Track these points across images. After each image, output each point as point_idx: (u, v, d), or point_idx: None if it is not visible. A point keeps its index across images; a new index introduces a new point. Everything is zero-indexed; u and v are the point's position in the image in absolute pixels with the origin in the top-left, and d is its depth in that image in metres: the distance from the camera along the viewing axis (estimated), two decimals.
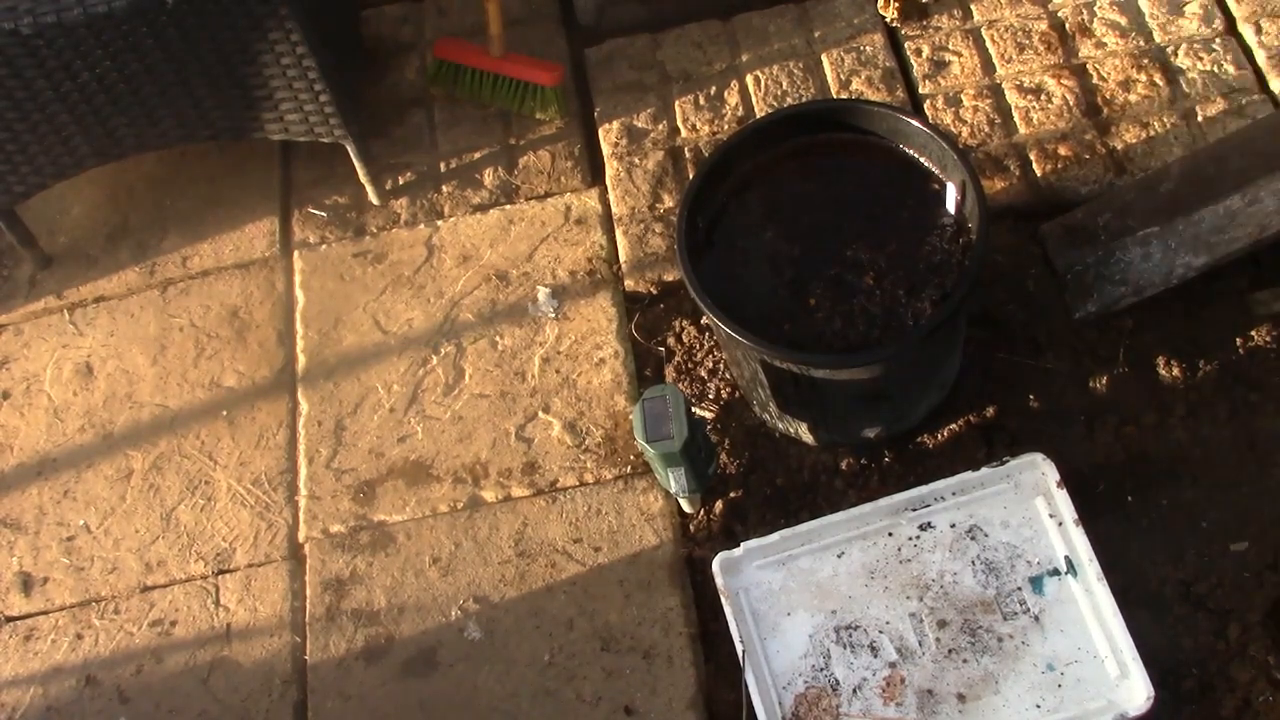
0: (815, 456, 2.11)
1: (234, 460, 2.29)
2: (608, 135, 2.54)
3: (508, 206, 2.50)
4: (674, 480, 1.96)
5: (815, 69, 2.54)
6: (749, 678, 1.84)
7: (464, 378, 2.31)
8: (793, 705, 1.84)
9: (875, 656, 1.86)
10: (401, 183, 2.57)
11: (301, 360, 2.38)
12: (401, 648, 2.05)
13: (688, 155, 2.48)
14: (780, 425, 2.11)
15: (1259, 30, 2.42)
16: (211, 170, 2.65)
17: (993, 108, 2.42)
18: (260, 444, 2.30)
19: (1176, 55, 2.42)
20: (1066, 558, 1.88)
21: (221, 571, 2.18)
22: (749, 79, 2.55)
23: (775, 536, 1.94)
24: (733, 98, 2.54)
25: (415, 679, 2.02)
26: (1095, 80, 2.42)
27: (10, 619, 2.19)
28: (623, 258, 2.37)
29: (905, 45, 2.53)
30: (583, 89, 2.65)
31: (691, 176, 2.16)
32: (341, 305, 2.43)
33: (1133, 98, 2.38)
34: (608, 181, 2.48)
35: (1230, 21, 2.46)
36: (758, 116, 2.48)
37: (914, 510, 1.95)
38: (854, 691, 1.84)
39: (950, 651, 1.85)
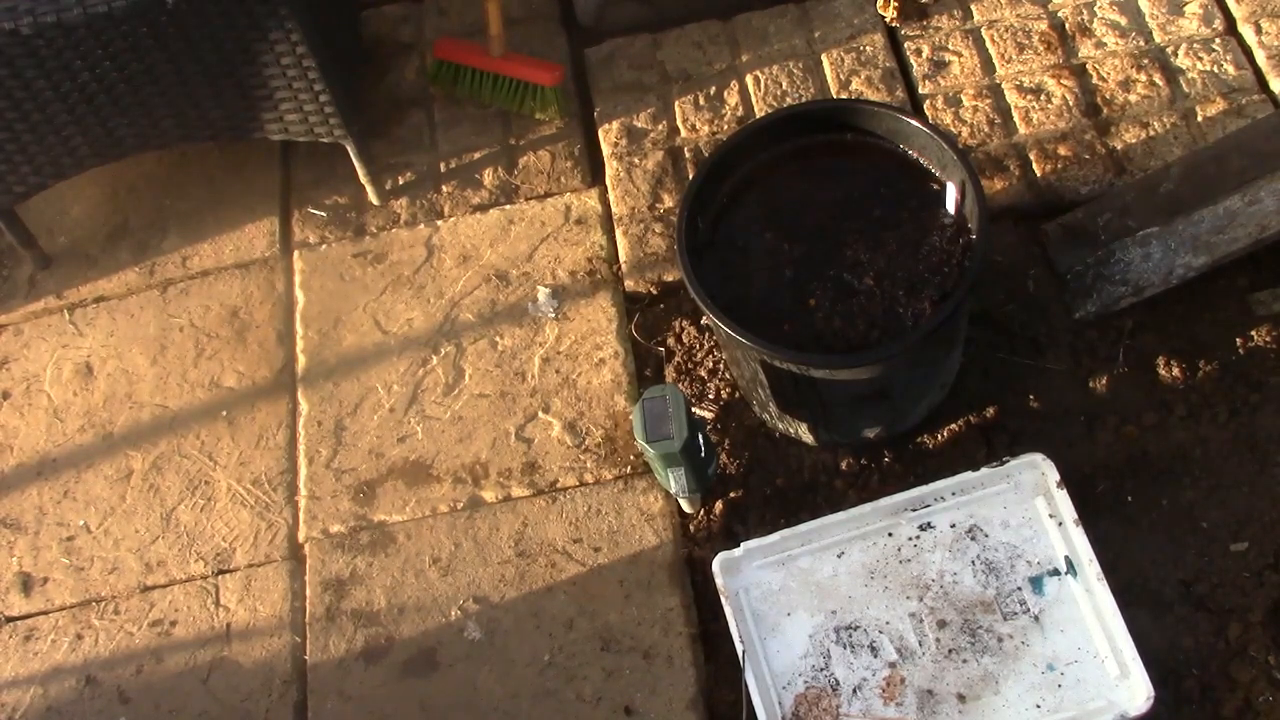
0: (815, 456, 2.11)
1: (234, 460, 2.29)
2: (608, 135, 2.54)
3: (508, 206, 2.50)
4: (674, 480, 1.96)
5: (815, 69, 2.54)
6: (749, 678, 1.84)
7: (464, 378, 2.31)
8: (793, 705, 1.85)
9: (875, 656, 1.86)
10: (401, 183, 2.58)
11: (301, 360, 2.38)
12: (401, 648, 2.05)
13: (688, 155, 2.48)
14: (780, 425, 2.11)
15: (1259, 30, 2.42)
16: (211, 170, 2.65)
17: (993, 108, 2.42)
18: (260, 444, 2.30)
19: (1176, 55, 2.42)
20: (1066, 558, 1.88)
21: (221, 571, 2.18)
22: (749, 79, 2.55)
23: (775, 536, 1.94)
24: (733, 98, 2.54)
25: (415, 679, 2.02)
26: (1095, 80, 2.42)
27: (10, 619, 2.19)
28: (623, 258, 2.37)
29: (905, 45, 2.53)
30: (583, 89, 2.65)
31: (691, 176, 2.16)
32: (341, 305, 2.43)
33: (1133, 98, 2.38)
34: (608, 181, 2.48)
35: (1230, 21, 2.46)
36: (758, 116, 2.48)
37: (914, 510, 1.95)
38: (854, 691, 1.84)
39: (950, 651, 1.85)
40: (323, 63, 2.22)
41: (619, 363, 2.27)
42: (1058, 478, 1.91)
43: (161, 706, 2.06)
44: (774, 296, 1.92)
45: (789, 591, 1.93)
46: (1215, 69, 2.38)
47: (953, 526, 1.94)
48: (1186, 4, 2.48)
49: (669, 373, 2.25)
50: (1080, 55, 2.46)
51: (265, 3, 2.11)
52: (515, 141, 2.59)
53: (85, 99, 2.23)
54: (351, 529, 2.18)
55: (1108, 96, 2.39)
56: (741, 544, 1.94)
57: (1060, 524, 1.90)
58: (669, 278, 2.32)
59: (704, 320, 2.27)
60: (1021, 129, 2.38)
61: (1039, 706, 1.79)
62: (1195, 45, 2.42)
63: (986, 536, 1.92)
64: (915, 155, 1.98)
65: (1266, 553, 1.91)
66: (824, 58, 2.55)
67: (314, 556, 2.16)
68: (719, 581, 1.93)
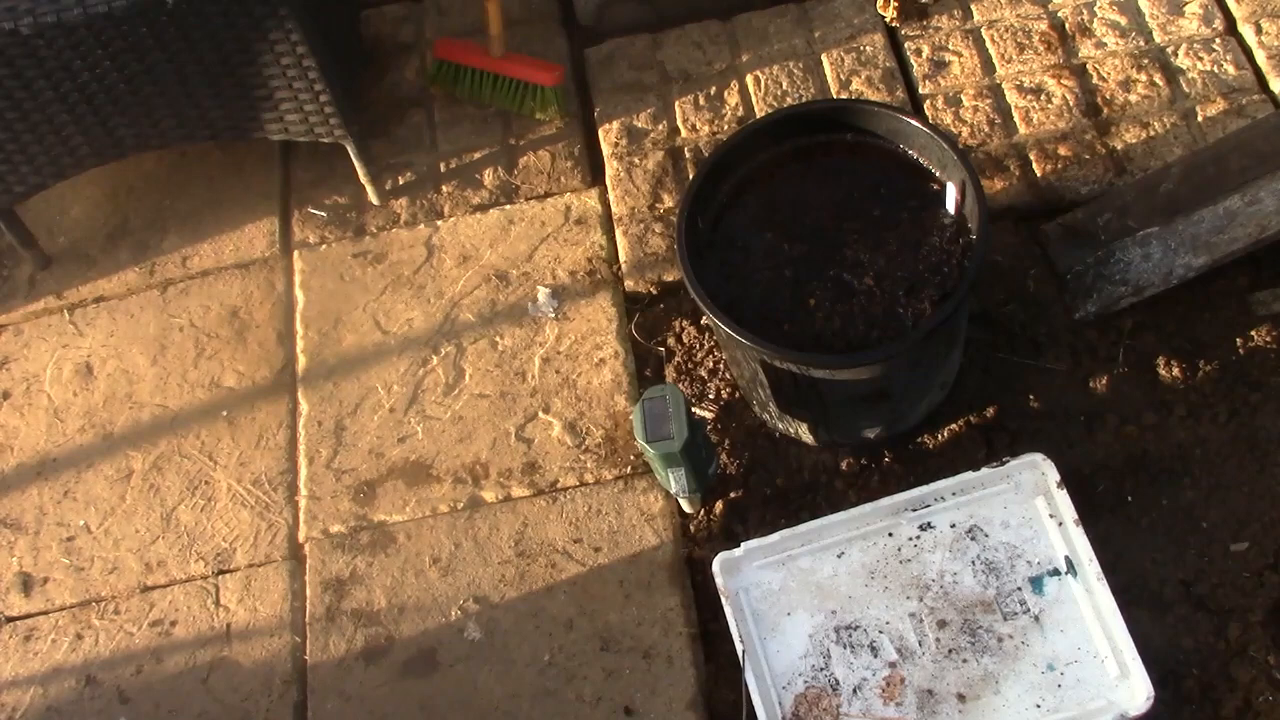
0: (815, 456, 2.11)
1: (234, 460, 2.29)
2: (608, 135, 2.54)
3: (508, 206, 2.50)
4: (674, 480, 1.96)
5: (815, 69, 2.54)
6: (749, 678, 1.84)
7: (464, 378, 2.31)
8: (793, 705, 1.84)
9: (875, 656, 1.86)
10: (401, 183, 2.58)
11: (301, 360, 2.38)
12: (401, 648, 2.05)
13: (688, 155, 2.48)
14: (780, 425, 2.11)
15: (1259, 30, 2.42)
16: (211, 170, 2.65)
17: (993, 108, 2.42)
18: (260, 444, 2.30)
19: (1176, 55, 2.42)
20: (1066, 558, 1.88)
21: (221, 571, 2.18)
22: (749, 79, 2.55)
23: (775, 536, 1.94)
24: (733, 98, 2.54)
25: (415, 679, 2.02)
26: (1095, 80, 2.42)
27: (10, 619, 2.19)
28: (623, 258, 2.37)
29: (905, 45, 2.53)
30: (583, 89, 2.65)
31: (692, 176, 2.17)
32: (341, 305, 2.43)
33: (1133, 98, 2.38)
34: (608, 181, 2.48)
35: (1230, 21, 2.46)
36: (758, 116, 2.48)
37: (914, 510, 1.95)
38: (854, 691, 1.84)
39: (950, 651, 1.85)
40: (323, 63, 2.22)
41: (619, 363, 2.27)
42: (1058, 478, 1.91)
43: (161, 706, 2.06)
44: (774, 296, 1.91)
45: (789, 591, 1.93)
46: (1215, 69, 2.38)
47: (953, 526, 1.94)
48: (1186, 4, 2.48)
49: (669, 373, 2.25)
50: (1080, 55, 2.46)
51: (265, 3, 2.11)
52: (515, 141, 2.59)
53: (85, 99, 2.23)
54: (351, 529, 2.18)
55: (1108, 96, 2.39)
56: (741, 544, 1.94)
57: (1060, 524, 1.90)
58: (669, 278, 2.32)
59: (704, 320, 2.27)
60: (1021, 129, 2.38)
61: (1039, 706, 1.79)
62: (1195, 45, 2.42)
63: (986, 536, 1.92)
64: (915, 155, 1.98)
65: (1266, 553, 1.91)
66: (824, 58, 2.55)
67: (314, 556, 2.16)
68: (719, 581, 1.93)
